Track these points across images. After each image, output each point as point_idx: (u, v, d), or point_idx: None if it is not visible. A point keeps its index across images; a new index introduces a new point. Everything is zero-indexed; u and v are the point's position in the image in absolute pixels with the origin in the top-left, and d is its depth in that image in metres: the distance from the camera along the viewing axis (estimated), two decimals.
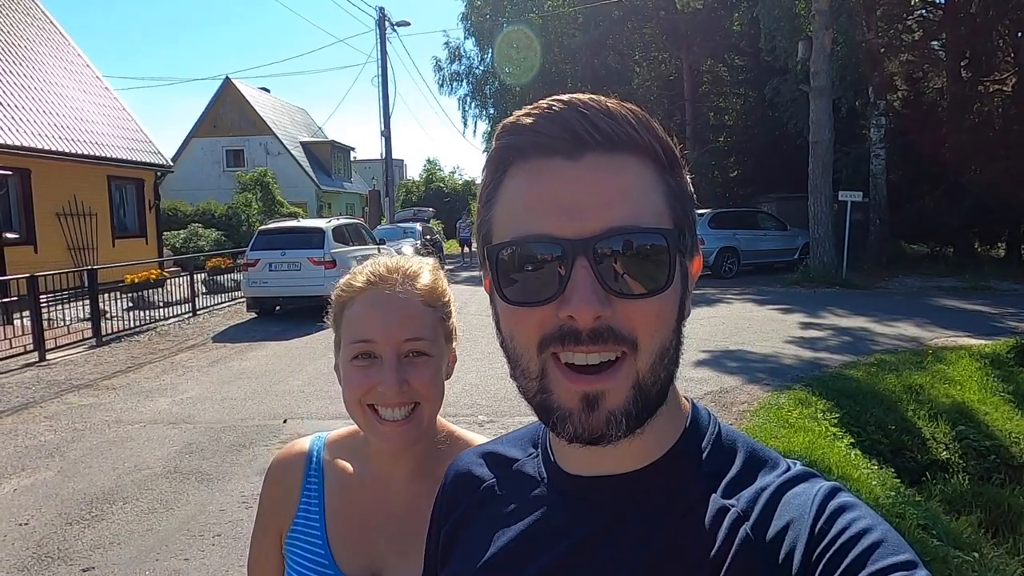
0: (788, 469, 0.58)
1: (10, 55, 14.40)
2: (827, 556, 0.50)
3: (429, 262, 1.01)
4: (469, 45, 29.94)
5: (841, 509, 0.52)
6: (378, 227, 19.56)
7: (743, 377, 6.69)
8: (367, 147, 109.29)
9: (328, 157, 33.40)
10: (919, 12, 18.60)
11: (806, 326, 9.43)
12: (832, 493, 0.54)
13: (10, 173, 11.47)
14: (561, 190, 0.52)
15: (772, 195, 19.44)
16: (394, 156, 25.29)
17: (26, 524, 3.90)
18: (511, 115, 0.57)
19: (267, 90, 34.33)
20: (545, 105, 0.54)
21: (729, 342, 8.28)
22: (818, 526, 0.52)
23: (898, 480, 4.83)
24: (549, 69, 26.18)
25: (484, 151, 35.16)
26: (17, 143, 12.68)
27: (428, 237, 19.28)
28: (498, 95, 29.95)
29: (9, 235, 12.13)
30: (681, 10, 18.68)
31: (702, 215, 15.77)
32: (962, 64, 17.82)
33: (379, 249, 13.45)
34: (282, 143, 30.43)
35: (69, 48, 16.81)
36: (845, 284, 13.64)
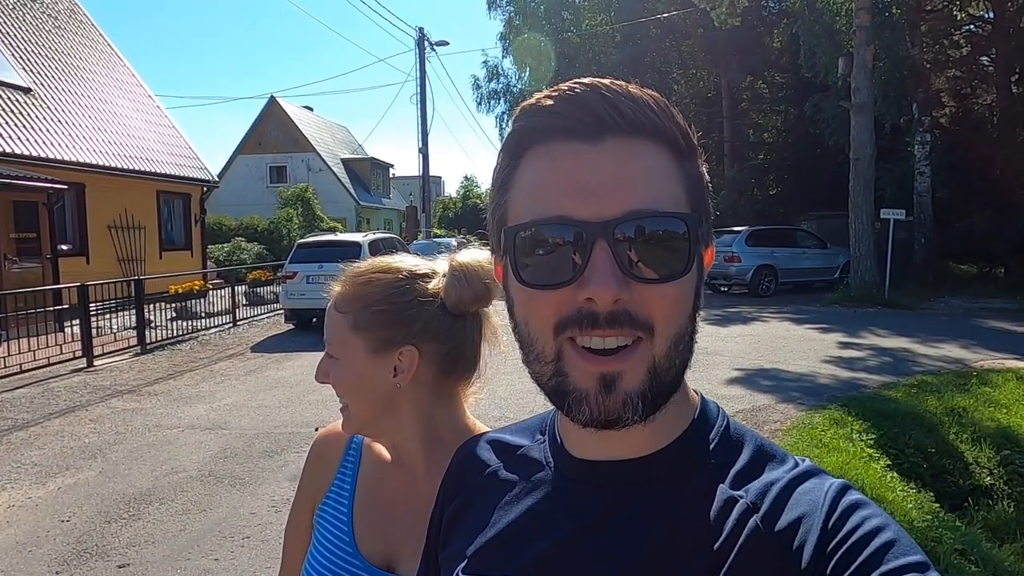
0: (796, 465, 0.57)
1: (69, 75, 15.13)
2: (840, 552, 0.49)
3: (398, 264, 0.99)
4: (507, 64, 30.30)
5: (854, 506, 0.52)
6: (414, 242, 19.84)
7: (776, 396, 6.56)
8: (405, 164, 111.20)
9: (368, 174, 34.04)
10: (967, 27, 18.17)
11: (845, 346, 9.21)
12: (843, 490, 0.54)
13: (66, 187, 12.01)
14: (581, 173, 0.52)
15: (812, 213, 19.08)
16: (432, 173, 25.66)
17: (68, 521, 4.05)
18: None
19: (310, 108, 35.26)
20: (566, 87, 0.54)
21: (763, 360, 8.14)
22: (831, 522, 0.51)
23: (937, 505, 4.67)
24: None
25: None
26: (73, 159, 13.29)
27: None
28: None
29: (63, 247, 12.67)
30: (719, 27, 18.58)
31: (739, 232, 15.58)
32: (1012, 79, 17.32)
33: None
34: (323, 160, 31.16)
35: (123, 68, 17.58)
36: (887, 304, 13.27)
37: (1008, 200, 15.45)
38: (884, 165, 15.74)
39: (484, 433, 0.76)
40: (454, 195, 48.17)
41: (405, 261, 0.99)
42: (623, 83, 0.54)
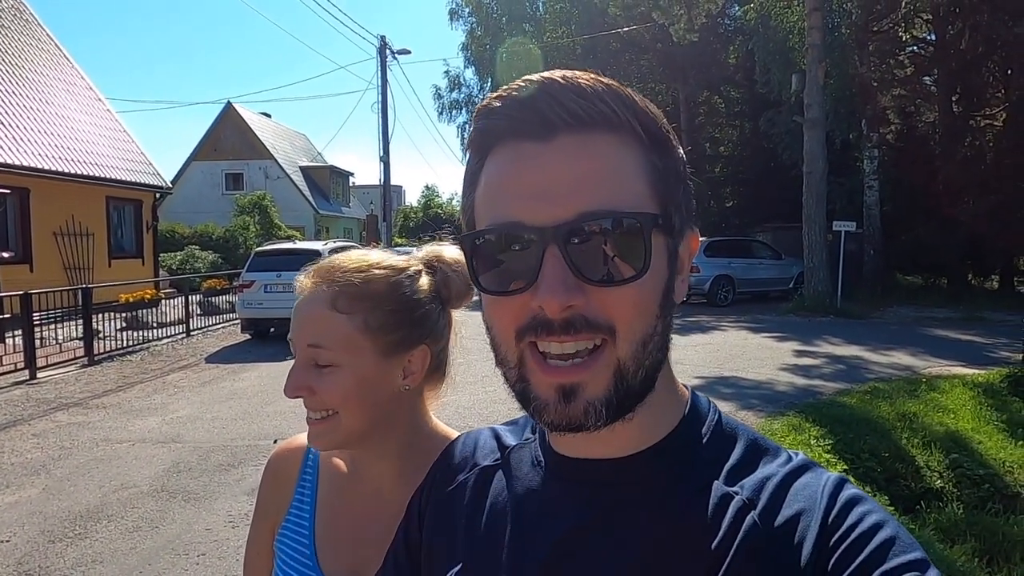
0: (790, 459, 0.57)
1: (13, 75, 14.55)
2: (840, 549, 0.49)
3: (387, 260, 0.92)
4: (469, 74, 30.48)
5: (852, 502, 0.52)
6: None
7: (736, 403, 6.66)
8: (366, 173, 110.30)
9: (327, 182, 33.62)
10: (910, 48, 18.97)
11: (800, 354, 9.43)
12: (840, 484, 0.54)
13: (8, 192, 11.51)
14: (532, 175, 0.50)
15: (768, 224, 19.60)
16: (393, 182, 25.47)
17: (7, 541, 3.84)
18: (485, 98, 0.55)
19: (268, 115, 34.68)
20: (515, 86, 0.52)
21: (723, 369, 8.27)
22: (830, 518, 0.51)
23: (892, 508, 4.79)
24: None
25: None
26: (16, 162, 12.72)
27: None
28: None
29: (5, 254, 12.13)
30: (678, 43, 19.00)
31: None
32: (953, 99, 18.14)
33: None
34: (281, 167, 30.65)
35: (72, 70, 16.99)
36: (840, 313, 13.68)
37: (950, 214, 16.14)
38: (835, 179, 16.28)
39: (474, 430, 0.74)
40: (415, 204, 47.90)
41: (391, 256, 0.93)
42: (577, 74, 0.52)
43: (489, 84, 29.10)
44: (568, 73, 0.52)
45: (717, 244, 16.11)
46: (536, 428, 0.66)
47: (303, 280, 0.90)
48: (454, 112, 30.75)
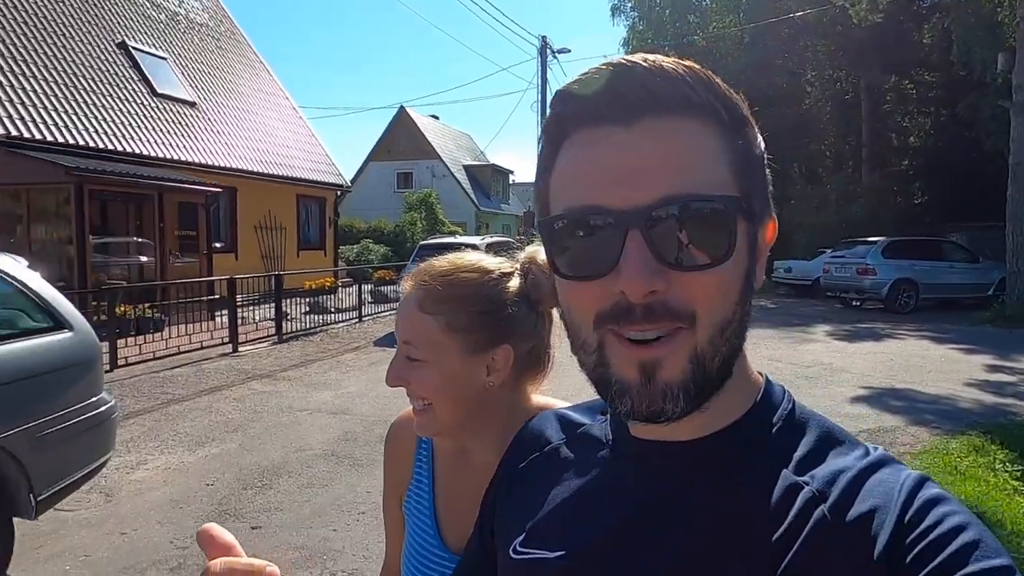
0: (868, 453, 0.54)
1: (227, 90, 16.80)
2: (917, 549, 0.46)
3: (477, 263, 0.95)
4: None
5: (933, 501, 0.48)
6: (529, 247, 20.11)
7: (907, 417, 6.09)
8: (525, 170, 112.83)
9: (488, 180, 34.95)
10: None
11: (993, 369, 8.35)
12: (921, 482, 0.50)
13: (220, 191, 13.36)
14: (613, 159, 0.50)
15: (963, 224, 17.41)
16: None
17: (212, 485, 4.55)
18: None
19: (436, 117, 36.75)
20: (596, 69, 0.52)
21: (895, 380, 7.56)
22: (907, 516, 0.48)
23: None
24: None
25: None
26: (228, 165, 14.75)
27: None
28: None
29: (217, 244, 14.07)
30: (858, 24, 17.42)
31: (875, 243, 14.53)
32: None
33: None
34: (447, 166, 32.36)
35: (272, 82, 19.24)
36: None
37: None
38: None
39: (549, 410, 0.75)
40: None
41: (485, 259, 0.97)
42: (659, 57, 0.51)
43: None
44: (650, 56, 0.51)
45: (898, 244, 14.59)
46: (608, 409, 0.65)
47: (405, 281, 0.98)
48: None
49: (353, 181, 26.86)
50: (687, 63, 0.52)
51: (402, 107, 33.21)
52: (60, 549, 3.63)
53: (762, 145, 0.55)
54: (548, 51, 22.73)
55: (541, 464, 0.67)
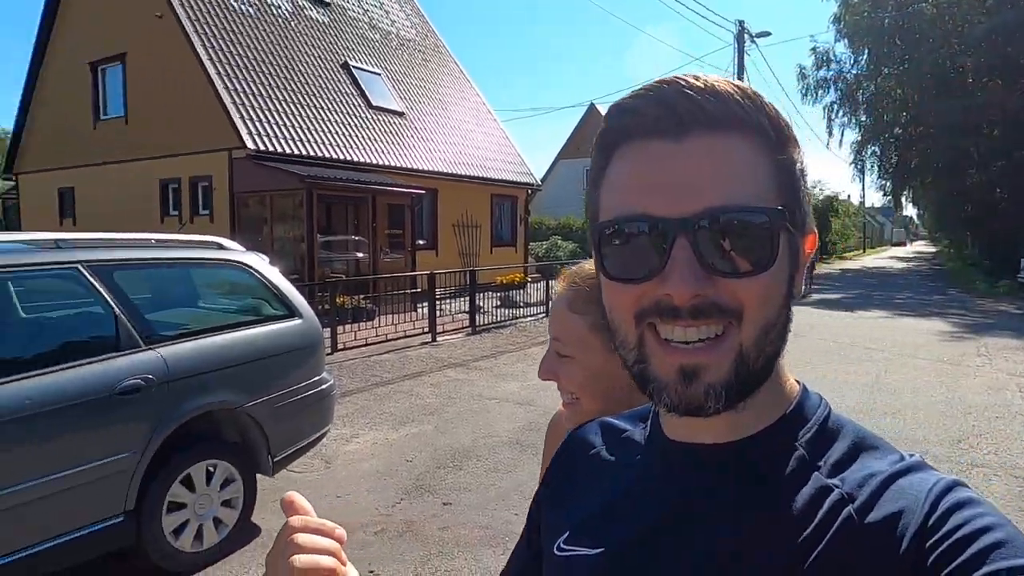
0: (903, 459, 0.55)
1: (430, 98, 18.20)
2: (939, 550, 0.47)
3: None
4: (840, 48, 27.55)
5: (961, 504, 0.49)
6: None
7: None
8: None
9: None
10: None
11: None
12: (952, 486, 0.51)
13: (423, 192, 14.54)
14: (663, 170, 0.52)
15: None
16: None
17: (411, 461, 5.02)
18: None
19: None
20: (650, 87, 0.55)
21: None
22: (932, 518, 0.48)
23: None
24: (942, 64, 22.47)
25: (851, 163, 31.71)
26: (431, 168, 16.00)
27: None
28: (872, 100, 26.80)
29: (420, 242, 15.32)
30: None
31: None
32: None
33: None
34: None
35: (471, 89, 20.44)
36: None
37: None
38: None
39: (596, 418, 0.78)
40: None
41: None
42: (710, 76, 0.54)
43: (865, 56, 25.85)
44: (701, 75, 0.54)
45: None
46: (649, 417, 0.68)
47: (558, 281, 1.06)
48: (820, 92, 28.16)
49: (543, 180, 27.62)
50: (737, 82, 0.54)
51: (592, 104, 33.47)
52: None
53: (805, 164, 0.57)
54: (746, 36, 21.49)
55: (584, 467, 0.71)
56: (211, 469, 3.50)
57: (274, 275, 4.06)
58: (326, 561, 0.54)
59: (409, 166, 15.42)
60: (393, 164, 14.98)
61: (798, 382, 0.61)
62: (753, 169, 0.53)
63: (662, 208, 0.52)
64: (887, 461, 0.55)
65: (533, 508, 0.76)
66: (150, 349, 3.23)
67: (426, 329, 10.32)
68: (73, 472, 2.87)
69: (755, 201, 0.52)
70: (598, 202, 0.58)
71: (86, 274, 3.16)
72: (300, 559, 0.53)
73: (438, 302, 10.70)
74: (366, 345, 9.41)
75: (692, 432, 0.59)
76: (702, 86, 0.53)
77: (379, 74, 16.83)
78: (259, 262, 4.03)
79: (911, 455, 0.55)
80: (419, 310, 10.94)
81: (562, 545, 0.64)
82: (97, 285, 3.17)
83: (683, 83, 0.53)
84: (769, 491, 0.55)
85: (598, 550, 0.60)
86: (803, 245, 0.57)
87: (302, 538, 0.54)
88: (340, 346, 9.06)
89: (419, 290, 11.42)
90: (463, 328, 11.10)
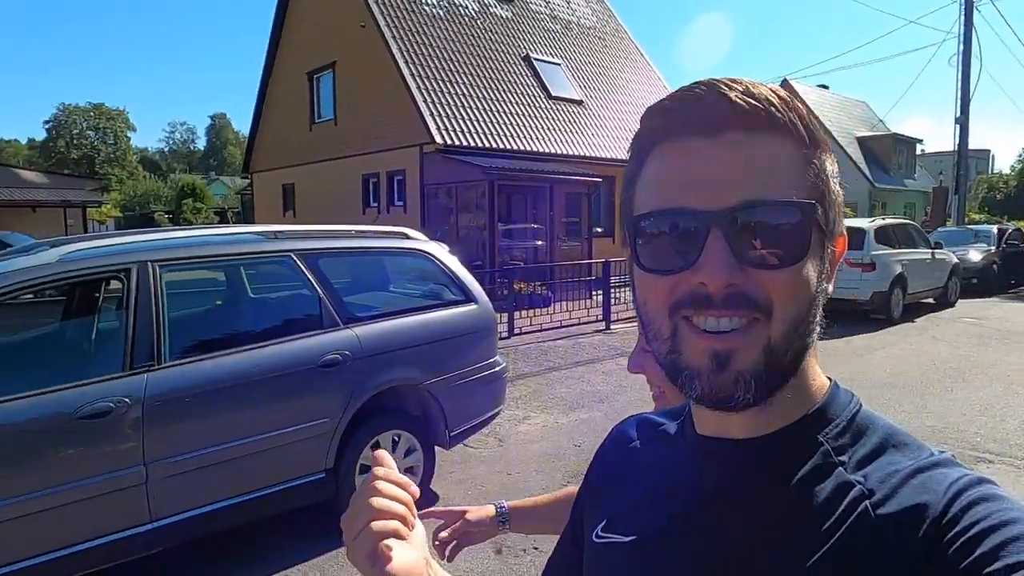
0: (931, 455, 0.55)
1: (610, 86, 18.11)
2: (956, 544, 0.47)
3: None
4: None
5: (982, 499, 0.49)
6: (939, 229, 16.92)
7: None
8: (939, 138, 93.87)
9: (887, 151, 30.45)
10: None
11: None
12: (976, 482, 0.51)
13: (600, 180, 14.53)
14: (698, 167, 0.54)
15: None
16: (977, 146, 21.30)
17: (579, 446, 5.13)
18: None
19: (826, 86, 33.36)
20: (688, 88, 0.57)
21: None
22: (950, 512, 0.49)
23: None
24: None
25: None
26: (608, 156, 15.94)
27: (1009, 241, 15.61)
28: None
29: (597, 229, 15.37)
30: None
31: None
32: None
33: (933, 254, 11.77)
34: (835, 139, 29.19)
35: (650, 71, 20.00)
36: None
37: None
38: None
39: (637, 414, 0.81)
40: (1008, 171, 38.68)
41: None
42: (746, 80, 0.56)
43: None
44: (737, 78, 0.56)
45: None
46: (684, 411, 0.70)
47: None
48: None
49: None
50: (771, 86, 0.56)
51: (785, 80, 30.94)
52: (464, 477, 4.56)
53: (836, 167, 0.58)
54: None
55: (623, 460, 0.74)
56: (396, 438, 3.87)
57: (453, 263, 4.35)
58: (398, 508, 0.62)
59: (586, 154, 15.51)
60: (571, 153, 15.17)
61: (829, 379, 0.62)
62: (785, 166, 0.54)
63: (697, 202, 0.54)
64: (913, 457, 0.55)
65: (578, 497, 0.80)
66: (347, 328, 3.64)
67: (600, 316, 10.37)
68: (289, 431, 3.35)
69: (787, 196, 0.54)
70: (633, 199, 0.60)
71: (297, 261, 3.64)
72: (378, 500, 0.61)
73: (613, 290, 10.70)
74: (541, 331, 9.68)
75: (721, 427, 0.60)
76: (738, 87, 0.55)
77: (559, 64, 17.08)
78: (440, 250, 4.34)
79: (940, 452, 0.56)
80: (594, 297, 11.02)
81: (600, 532, 0.68)
82: (305, 271, 3.64)
83: (720, 85, 0.55)
84: (792, 486, 0.56)
85: (631, 537, 0.64)
86: (834, 246, 0.58)
87: (383, 485, 0.62)
88: (516, 331, 9.42)
89: (594, 278, 11.48)
90: (635, 318, 10.95)
